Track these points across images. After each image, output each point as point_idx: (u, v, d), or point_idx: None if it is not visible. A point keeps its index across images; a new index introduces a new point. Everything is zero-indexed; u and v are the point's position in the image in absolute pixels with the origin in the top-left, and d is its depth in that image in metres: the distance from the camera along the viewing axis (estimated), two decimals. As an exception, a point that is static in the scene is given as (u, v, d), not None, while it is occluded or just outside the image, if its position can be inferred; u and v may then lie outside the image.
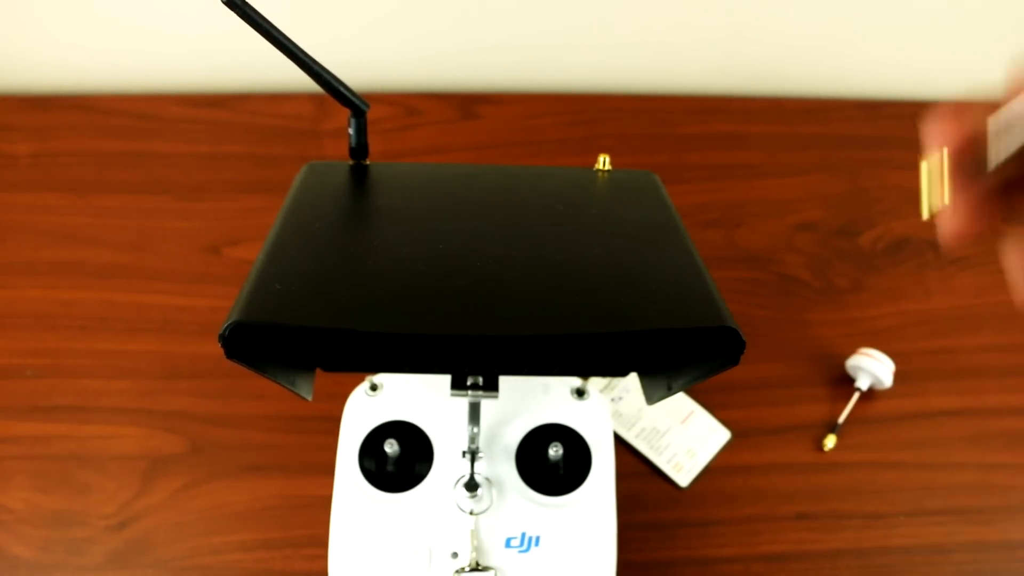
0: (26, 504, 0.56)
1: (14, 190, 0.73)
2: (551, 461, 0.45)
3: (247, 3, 0.35)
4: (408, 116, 0.82)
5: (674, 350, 0.32)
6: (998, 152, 0.25)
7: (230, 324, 0.30)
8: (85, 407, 0.60)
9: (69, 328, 0.65)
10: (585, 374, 0.47)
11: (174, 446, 0.59)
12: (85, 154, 0.76)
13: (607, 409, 0.47)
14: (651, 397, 0.36)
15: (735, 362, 0.32)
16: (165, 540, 0.55)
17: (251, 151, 0.78)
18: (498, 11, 0.81)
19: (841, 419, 0.62)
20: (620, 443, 0.60)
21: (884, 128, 0.85)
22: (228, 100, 0.82)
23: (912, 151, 0.84)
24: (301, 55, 0.38)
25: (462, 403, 0.45)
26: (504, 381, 0.44)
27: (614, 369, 0.36)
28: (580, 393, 0.47)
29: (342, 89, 0.40)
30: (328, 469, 0.46)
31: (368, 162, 0.44)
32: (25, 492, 0.56)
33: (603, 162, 0.45)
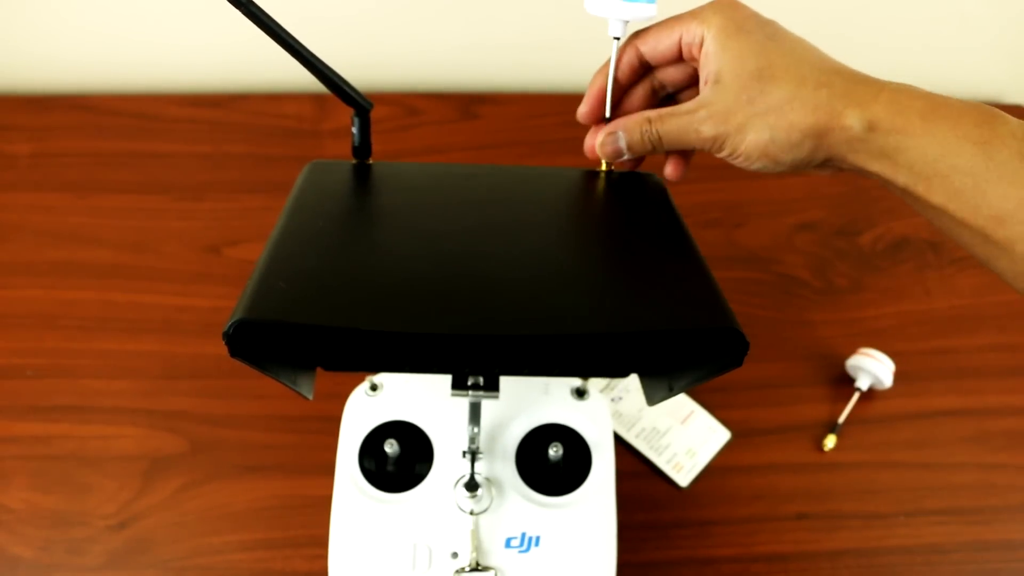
0: (26, 504, 0.56)
1: (14, 190, 0.73)
2: (551, 461, 0.45)
3: (252, 2, 0.35)
4: (408, 116, 0.82)
5: (676, 351, 0.32)
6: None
7: (234, 322, 0.30)
8: (85, 407, 0.60)
9: (69, 328, 0.65)
10: (586, 375, 0.47)
11: (174, 446, 0.59)
12: (85, 154, 0.76)
13: (607, 409, 0.47)
14: (652, 398, 0.36)
15: (738, 364, 0.32)
16: (165, 540, 0.55)
17: (251, 151, 0.78)
18: (498, 11, 0.81)
19: (841, 419, 0.62)
20: (620, 443, 0.60)
21: (884, 128, 0.85)
22: (228, 100, 0.82)
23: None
24: (306, 54, 0.38)
25: (462, 403, 0.45)
26: (504, 381, 0.44)
27: (615, 370, 0.36)
28: (580, 393, 0.47)
29: (346, 88, 0.40)
30: (328, 469, 0.46)
31: (371, 161, 0.44)
32: (25, 492, 0.56)
33: (605, 163, 0.45)
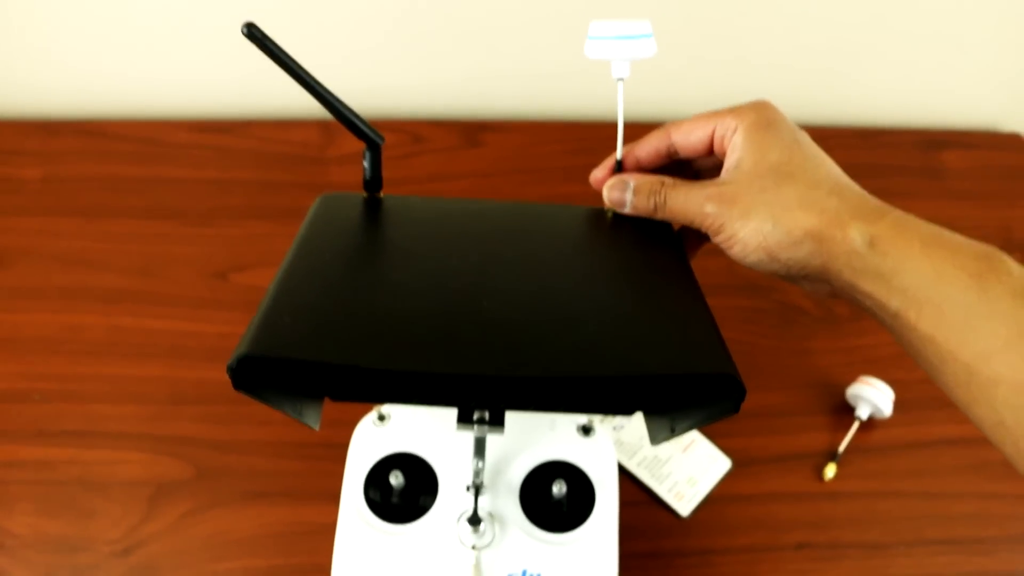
0: (30, 529, 0.56)
1: (23, 214, 0.74)
2: (555, 498, 0.45)
3: (267, 36, 0.36)
4: (413, 143, 0.83)
5: (676, 394, 0.33)
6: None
7: (238, 356, 0.31)
8: (91, 432, 0.61)
9: (76, 352, 0.65)
10: (590, 412, 0.47)
11: (180, 472, 0.59)
12: (93, 179, 0.77)
13: (613, 448, 0.47)
14: (655, 438, 0.36)
15: (735, 410, 0.32)
16: (170, 566, 0.55)
17: (258, 177, 0.79)
18: (502, 39, 0.82)
19: (841, 448, 0.63)
20: (621, 471, 0.60)
21: (882, 156, 0.86)
22: (235, 126, 0.83)
23: (910, 178, 0.85)
24: (318, 88, 0.39)
25: (469, 437, 0.45)
26: (510, 416, 0.44)
27: (618, 409, 0.36)
28: (586, 431, 0.47)
29: (358, 122, 0.41)
30: (333, 496, 0.46)
31: (382, 195, 0.45)
32: (30, 517, 0.57)
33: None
